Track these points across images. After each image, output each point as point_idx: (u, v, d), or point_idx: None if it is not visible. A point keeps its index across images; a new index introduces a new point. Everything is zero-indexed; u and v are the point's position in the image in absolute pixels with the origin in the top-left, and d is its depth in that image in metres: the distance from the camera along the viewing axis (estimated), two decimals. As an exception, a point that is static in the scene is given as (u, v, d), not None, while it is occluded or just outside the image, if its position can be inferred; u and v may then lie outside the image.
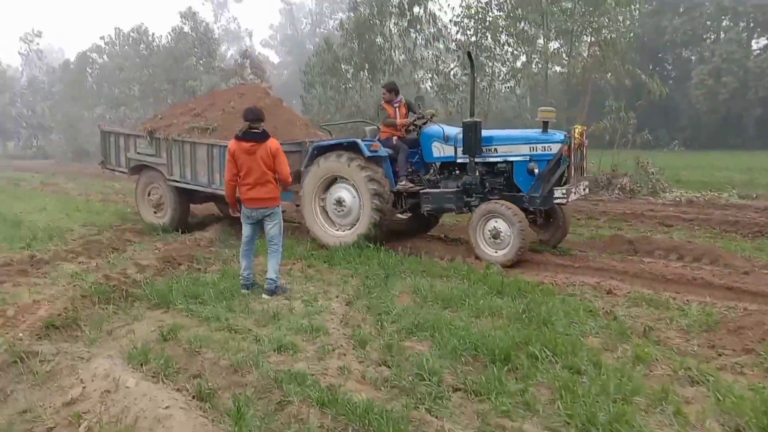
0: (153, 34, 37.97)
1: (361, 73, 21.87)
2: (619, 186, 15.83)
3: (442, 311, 5.53)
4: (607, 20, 17.13)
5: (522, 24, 18.52)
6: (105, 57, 45.62)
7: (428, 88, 22.47)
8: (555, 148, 7.47)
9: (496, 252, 7.45)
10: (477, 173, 7.99)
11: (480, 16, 19.30)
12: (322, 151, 8.65)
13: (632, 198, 15.15)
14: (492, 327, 5.06)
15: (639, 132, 17.40)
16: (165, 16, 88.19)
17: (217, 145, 9.41)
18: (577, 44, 18.22)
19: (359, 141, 8.31)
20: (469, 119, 7.90)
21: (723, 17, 40.77)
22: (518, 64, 19.30)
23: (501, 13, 19.34)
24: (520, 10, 18.34)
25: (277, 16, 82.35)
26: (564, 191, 7.38)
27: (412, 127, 8.73)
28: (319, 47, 23.41)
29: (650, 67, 36.68)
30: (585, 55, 18.11)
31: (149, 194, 10.88)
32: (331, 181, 8.71)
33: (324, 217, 8.82)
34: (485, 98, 20.23)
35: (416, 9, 21.56)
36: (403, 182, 8.38)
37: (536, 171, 7.56)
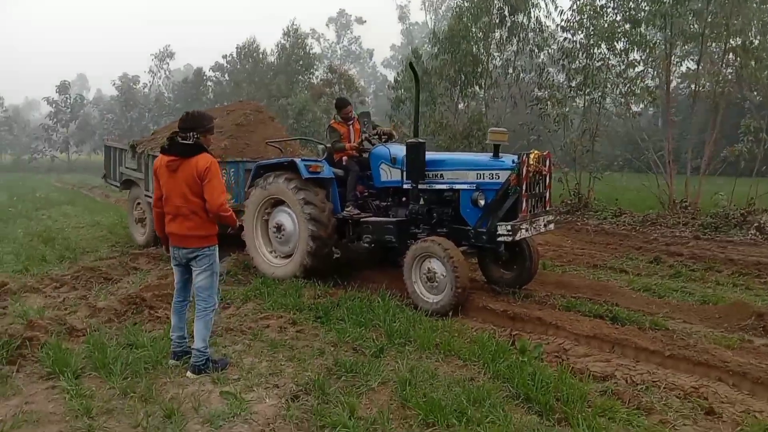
0: (264, 50, 38.33)
1: (455, 88, 19.87)
2: (756, 225, 12.61)
3: (421, 434, 3.51)
4: (744, 22, 13.90)
5: (641, 28, 15.65)
6: (226, 76, 47.10)
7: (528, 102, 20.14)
8: (503, 176, 6.32)
9: (432, 298, 6.28)
10: (422, 201, 7.01)
11: (594, 19, 16.65)
12: (266, 170, 7.84)
13: (774, 241, 11.93)
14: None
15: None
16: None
17: None
18: (709, 52, 15.09)
19: (298, 161, 7.41)
20: (412, 139, 6.89)
21: None
22: (633, 74, 16.38)
23: (618, 17, 16.57)
24: (641, 11, 15.47)
25: (398, 37, 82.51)
26: (509, 227, 6.10)
27: (366, 145, 7.89)
28: (408, 59, 21.75)
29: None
30: (719, 65, 14.97)
31: (135, 210, 10.56)
32: (275, 204, 7.84)
33: (266, 244, 7.99)
34: (594, 115, 17.51)
35: (520, 16, 19.30)
36: (349, 208, 7.45)
37: (481, 202, 6.45)
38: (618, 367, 4.80)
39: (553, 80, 17.97)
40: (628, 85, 16.26)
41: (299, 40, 32.85)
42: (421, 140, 6.86)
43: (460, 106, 20.30)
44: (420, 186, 6.91)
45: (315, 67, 33.87)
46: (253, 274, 7.87)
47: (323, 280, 7.27)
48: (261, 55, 37.76)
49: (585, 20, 16.45)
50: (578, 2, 16.89)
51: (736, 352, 4.96)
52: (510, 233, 6.09)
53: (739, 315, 6.07)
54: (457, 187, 6.68)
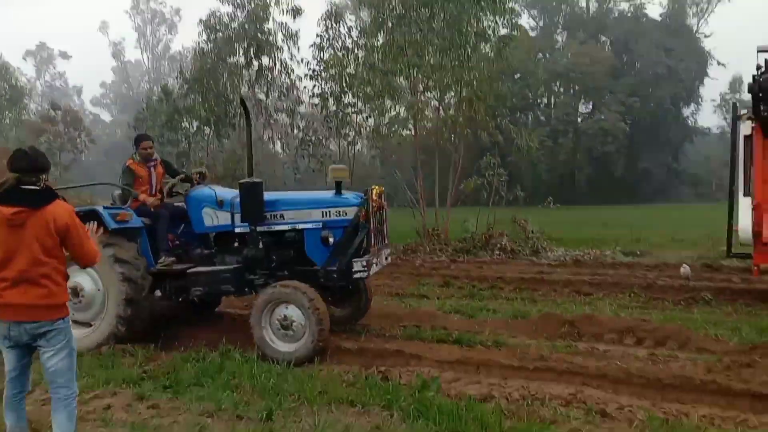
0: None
1: (206, 127, 19.18)
2: (498, 246, 14.66)
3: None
4: (474, 76, 16.23)
5: (388, 77, 17.07)
6: None
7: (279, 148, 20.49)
8: (351, 213, 6.29)
9: (286, 347, 5.89)
10: (261, 245, 6.49)
11: (338, 69, 17.60)
12: None
13: (514, 258, 13.96)
14: None
15: (510, 190, 16.60)
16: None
17: None
18: (447, 98, 17.16)
19: (100, 209, 6.39)
20: (247, 179, 6.45)
21: (553, 84, 44.34)
22: (384, 120, 17.82)
23: (365, 67, 17.75)
24: (387, 61, 16.85)
25: (109, 74, 76.66)
26: (364, 263, 6.12)
27: (175, 191, 7.23)
28: (152, 99, 20.41)
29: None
30: (456, 111, 17.14)
31: None
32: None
33: None
34: (348, 159, 18.55)
35: (265, 59, 19.56)
36: (162, 259, 6.62)
37: (331, 240, 6.32)
38: (491, 387, 5.02)
39: (312, 123, 18.59)
40: (379, 129, 17.61)
41: (3, 72, 28.18)
42: (257, 180, 6.40)
43: (216, 147, 19.66)
44: (258, 228, 6.44)
45: (23, 103, 29.30)
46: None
47: (136, 344, 6.23)
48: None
49: (332, 69, 17.32)
50: (321, 55, 17.80)
51: (583, 359, 5.58)
52: (365, 269, 6.05)
53: (552, 325, 6.90)
54: (302, 227, 6.40)
